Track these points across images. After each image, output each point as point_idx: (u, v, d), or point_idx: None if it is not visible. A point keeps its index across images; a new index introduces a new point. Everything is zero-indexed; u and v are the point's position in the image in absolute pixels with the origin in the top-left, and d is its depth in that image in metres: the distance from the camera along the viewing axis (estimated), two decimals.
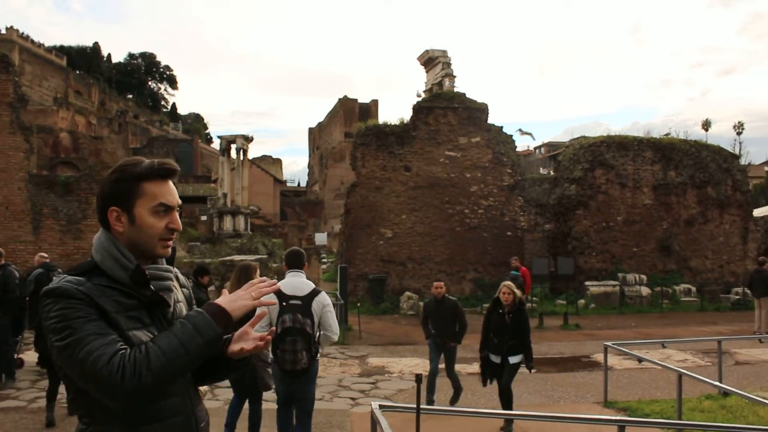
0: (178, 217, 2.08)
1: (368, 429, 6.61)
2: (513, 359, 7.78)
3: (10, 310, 9.84)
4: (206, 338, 1.85)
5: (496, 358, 7.91)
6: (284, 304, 5.52)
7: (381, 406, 3.89)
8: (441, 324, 9.04)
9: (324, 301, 5.71)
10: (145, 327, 1.94)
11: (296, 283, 5.70)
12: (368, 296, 19.82)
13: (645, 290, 21.04)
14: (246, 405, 6.66)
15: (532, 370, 8.41)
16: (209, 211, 38.12)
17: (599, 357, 11.12)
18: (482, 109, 21.95)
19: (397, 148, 21.28)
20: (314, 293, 5.70)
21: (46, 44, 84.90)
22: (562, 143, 53.27)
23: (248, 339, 2.07)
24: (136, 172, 2.01)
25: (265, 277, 2.02)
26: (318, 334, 5.62)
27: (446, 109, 21.56)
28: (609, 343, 9.19)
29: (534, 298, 19.69)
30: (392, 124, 22.15)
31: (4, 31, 74.09)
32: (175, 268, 2.23)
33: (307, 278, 5.94)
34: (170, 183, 2.07)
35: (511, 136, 22.33)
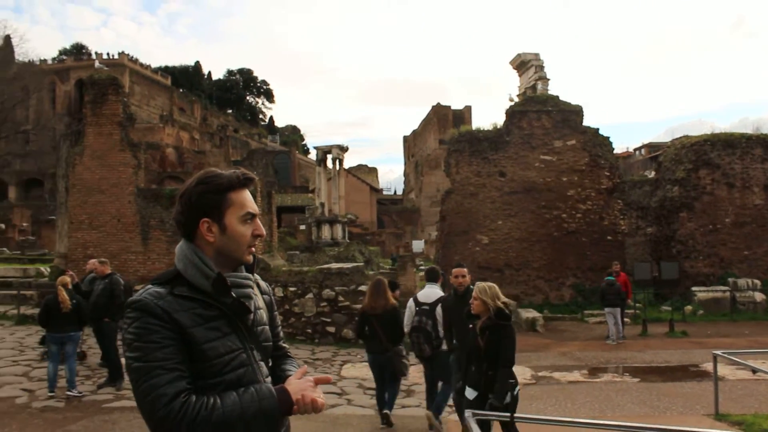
0: (260, 223, 2.15)
1: None
2: (492, 399, 5.40)
3: (116, 315, 10.54)
4: (267, 421, 1.92)
5: (471, 394, 5.73)
6: (418, 308, 7.29)
7: (474, 414, 3.86)
8: (465, 329, 6.22)
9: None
10: (224, 336, 1.99)
11: (429, 293, 7.48)
12: None
13: (759, 296, 19.87)
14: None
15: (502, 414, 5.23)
16: (307, 221, 38.99)
17: (708, 366, 10.55)
18: (577, 111, 21.46)
19: (491, 154, 21.08)
20: (438, 301, 7.32)
21: (153, 65, 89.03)
22: (663, 144, 51.30)
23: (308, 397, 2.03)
24: (223, 183, 2.07)
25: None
26: (441, 331, 7.17)
27: (540, 113, 21.20)
28: (719, 352, 8.64)
29: (637, 304, 19.03)
30: (485, 129, 21.98)
31: (116, 56, 78.33)
32: (256, 275, 2.28)
33: (438, 288, 7.82)
34: (248, 192, 2.14)
35: (608, 138, 21.70)
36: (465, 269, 7.28)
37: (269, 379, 2.13)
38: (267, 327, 2.23)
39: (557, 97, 21.89)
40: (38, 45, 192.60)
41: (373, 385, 9.28)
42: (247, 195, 2.11)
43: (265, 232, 2.18)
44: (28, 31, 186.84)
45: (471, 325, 5.77)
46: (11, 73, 54.21)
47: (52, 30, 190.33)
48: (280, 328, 2.43)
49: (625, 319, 16.33)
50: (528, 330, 17.06)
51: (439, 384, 7.71)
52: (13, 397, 9.56)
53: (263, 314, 2.22)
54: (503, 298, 5.72)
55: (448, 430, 7.57)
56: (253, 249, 2.13)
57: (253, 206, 2.12)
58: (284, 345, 2.44)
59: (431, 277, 7.79)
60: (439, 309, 7.18)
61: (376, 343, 7.63)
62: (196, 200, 2.06)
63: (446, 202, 21.41)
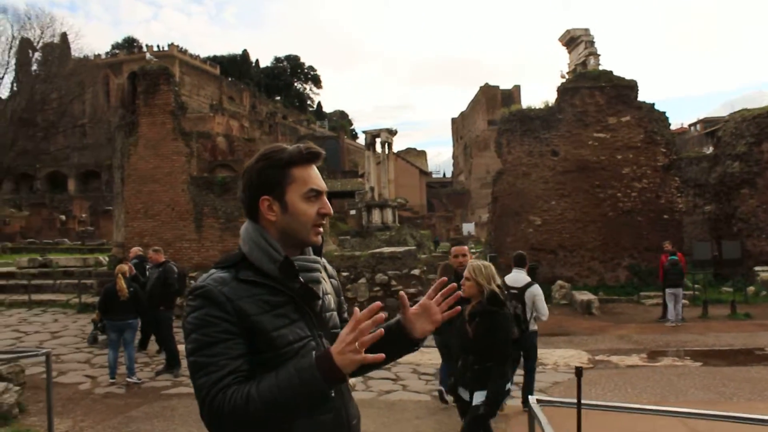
0: (327, 201, 2.00)
1: (521, 423, 6.49)
2: (478, 397, 4.78)
3: (171, 303, 10.81)
4: (313, 397, 1.72)
5: (465, 393, 4.98)
6: (506, 292, 6.87)
7: (539, 401, 3.73)
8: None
9: (534, 292, 7.50)
10: (292, 323, 1.87)
11: (517, 277, 7.66)
12: None
13: None
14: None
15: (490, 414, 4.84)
16: (357, 205, 39.05)
17: None
18: (631, 87, 20.83)
19: (542, 133, 20.68)
20: (527, 286, 7.53)
21: (202, 55, 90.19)
22: (720, 118, 49.62)
23: (433, 316, 1.97)
24: (284, 158, 1.95)
25: (372, 319, 1.72)
26: (532, 315, 7.45)
27: (592, 89, 20.67)
28: None
29: (696, 285, 18.49)
30: (537, 108, 21.57)
31: (166, 48, 79.60)
32: (323, 259, 2.15)
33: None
34: (315, 168, 2.00)
35: (664, 113, 21.03)
36: (466, 248, 7.07)
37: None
38: (335, 313, 2.10)
39: (610, 72, 21.28)
40: (92, 40, 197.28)
41: (428, 370, 9.46)
42: (311, 171, 1.98)
43: (332, 211, 2.03)
44: (82, 28, 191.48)
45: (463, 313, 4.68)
46: (68, 69, 55.49)
47: (105, 25, 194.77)
48: (347, 314, 2.28)
49: (684, 301, 15.87)
50: (583, 313, 16.74)
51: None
52: (77, 384, 9.83)
53: (331, 300, 2.10)
54: (498, 281, 5.00)
55: (507, 417, 7.45)
56: (321, 229, 1.99)
57: (318, 183, 1.97)
58: None
59: (518, 262, 7.96)
60: (528, 293, 7.47)
61: (444, 323, 7.40)
62: (257, 177, 1.95)
63: (498, 183, 21.13)
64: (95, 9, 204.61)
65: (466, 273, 4.99)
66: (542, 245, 20.49)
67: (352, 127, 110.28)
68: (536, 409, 3.53)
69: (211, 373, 1.74)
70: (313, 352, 1.78)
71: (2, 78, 54.90)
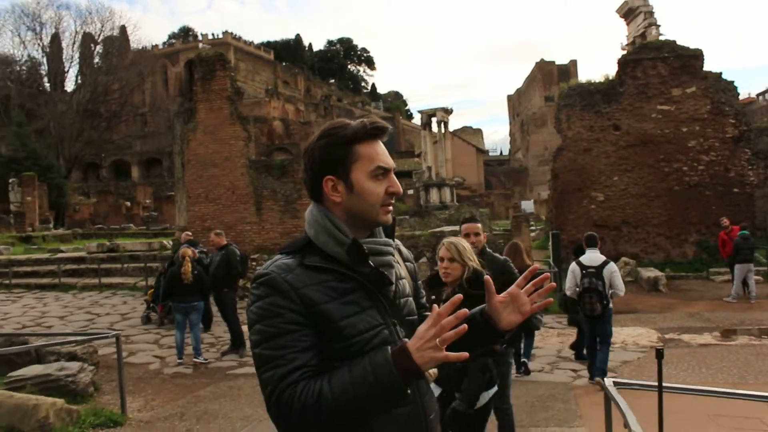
0: (395, 179, 1.86)
1: (594, 403, 6.32)
2: (458, 400, 4.10)
3: (234, 285, 10.99)
4: (388, 396, 1.59)
5: (436, 389, 3.93)
6: (584, 271, 7.85)
7: (616, 383, 3.55)
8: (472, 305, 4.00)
9: (611, 269, 7.87)
10: (363, 311, 1.74)
11: (592, 256, 7.99)
12: None
13: None
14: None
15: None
16: (415, 185, 38.93)
17: None
18: (696, 56, 19.99)
19: (603, 107, 20.08)
20: (604, 264, 7.87)
21: (256, 42, 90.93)
22: None
23: (522, 306, 1.78)
24: (348, 135, 1.80)
25: (455, 314, 1.59)
26: (609, 292, 7.79)
27: (655, 60, 19.92)
28: None
29: None
30: (597, 81, 20.93)
31: (221, 36, 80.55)
32: (397, 240, 2.01)
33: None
34: (381, 144, 1.85)
35: (732, 82, 20.16)
36: (479, 225, 5.59)
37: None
38: (411, 299, 1.95)
39: (674, 41, 20.46)
40: (150, 32, 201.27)
41: None
42: (377, 147, 1.83)
43: (401, 189, 1.87)
44: (140, 20, 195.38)
45: (433, 297, 4.09)
46: (128, 60, 56.84)
47: (161, 16, 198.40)
48: (424, 298, 2.15)
49: (757, 277, 15.26)
50: (649, 290, 16.30)
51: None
52: (147, 364, 10.10)
53: (406, 284, 1.95)
54: (476, 260, 4.29)
55: (576, 397, 7.29)
56: (390, 208, 1.84)
57: (385, 159, 1.82)
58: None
59: (590, 242, 8.28)
60: (605, 270, 7.81)
61: None
62: (319, 156, 1.82)
63: (558, 160, 20.66)
64: (152, 1, 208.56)
65: (443, 252, 4.19)
66: (605, 222, 19.98)
67: (407, 108, 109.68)
68: (613, 391, 3.37)
69: (277, 367, 1.65)
70: (389, 347, 1.63)
71: (67, 71, 56.73)
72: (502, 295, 1.81)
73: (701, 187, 19.70)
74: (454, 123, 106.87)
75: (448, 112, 36.13)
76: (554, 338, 11.02)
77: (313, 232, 1.82)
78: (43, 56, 55.81)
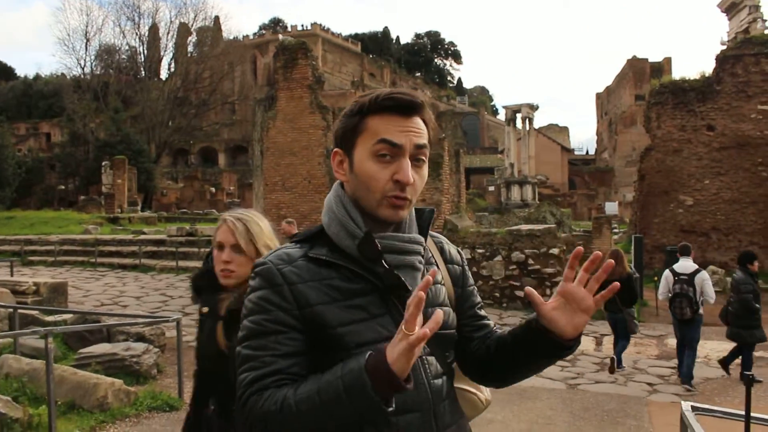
0: (408, 166, 1.47)
1: (670, 424, 5.84)
2: None
3: None
4: (356, 408, 1.29)
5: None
6: (676, 278, 8.34)
7: (694, 408, 3.15)
8: None
9: (703, 277, 8.34)
10: (372, 318, 1.46)
11: (685, 264, 8.48)
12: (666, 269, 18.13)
13: None
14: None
15: None
16: (496, 182, 38.36)
17: None
18: None
19: (697, 105, 19.03)
20: (696, 272, 8.35)
21: (344, 33, 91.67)
22: None
23: (582, 302, 1.44)
24: (361, 103, 1.51)
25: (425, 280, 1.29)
26: (700, 299, 8.21)
27: (758, 56, 18.71)
28: None
29: None
30: (691, 78, 19.89)
31: (309, 27, 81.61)
32: (442, 238, 1.73)
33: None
34: (408, 120, 1.49)
35: None
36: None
37: (443, 378, 1.56)
38: (448, 309, 1.61)
39: None
40: (242, 23, 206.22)
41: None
42: (397, 122, 1.48)
43: (411, 179, 1.47)
44: (232, 10, 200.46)
45: (203, 310, 2.74)
46: (219, 49, 58.27)
47: (253, 7, 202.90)
48: (479, 305, 1.75)
49: None
50: None
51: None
52: None
53: (441, 291, 1.62)
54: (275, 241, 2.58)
55: (650, 413, 6.79)
56: (399, 202, 1.48)
57: (395, 134, 1.47)
58: (488, 323, 1.74)
59: (684, 251, 8.72)
60: (697, 278, 8.27)
61: (613, 303, 8.65)
62: (336, 126, 1.59)
63: (645, 160, 19.76)
64: None
65: (222, 235, 2.52)
66: (693, 227, 18.99)
67: (493, 103, 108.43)
68: (690, 418, 2.98)
69: (252, 369, 1.42)
70: (370, 351, 1.33)
71: (162, 60, 58.81)
72: (552, 300, 1.48)
73: None
74: (540, 120, 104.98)
75: (533, 108, 35.43)
76: (630, 348, 10.40)
77: (327, 219, 1.57)
78: (140, 45, 57.95)
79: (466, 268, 1.77)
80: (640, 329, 10.40)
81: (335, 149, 1.58)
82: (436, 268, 1.66)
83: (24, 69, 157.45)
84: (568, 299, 1.46)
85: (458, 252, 1.77)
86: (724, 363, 8.83)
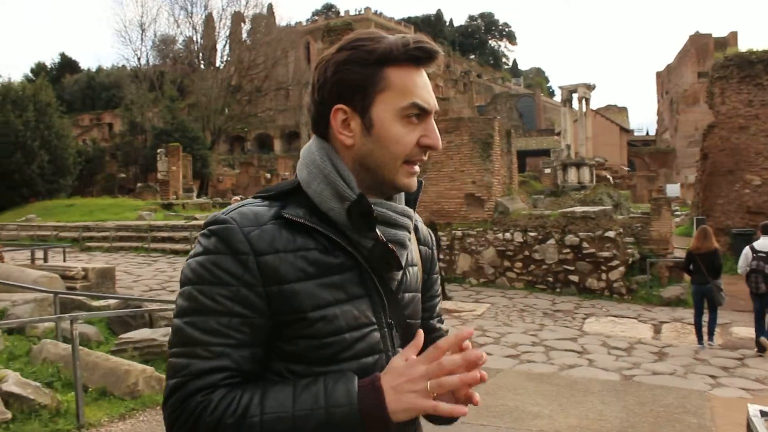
0: (435, 128, 1.26)
1: (734, 423, 5.36)
2: None
3: None
4: None
5: None
6: (754, 254, 8.87)
7: (763, 413, 2.75)
8: None
9: None
10: (350, 301, 1.20)
11: (765, 242, 8.92)
12: (731, 253, 17.27)
13: None
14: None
15: None
16: (552, 164, 37.51)
17: None
18: None
19: (765, 79, 18.00)
20: None
21: (396, 17, 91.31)
22: None
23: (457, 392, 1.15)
24: (378, 51, 1.22)
25: (463, 356, 1.07)
26: None
27: None
28: None
29: None
30: (759, 50, 18.83)
31: (362, 12, 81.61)
32: (417, 216, 1.43)
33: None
34: (425, 74, 1.27)
35: None
36: None
37: None
38: (418, 295, 1.38)
39: None
40: (294, 9, 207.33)
41: (619, 344, 9.38)
42: (418, 78, 1.25)
43: (440, 144, 1.27)
44: None
45: None
46: (272, 36, 58.60)
47: None
48: (439, 298, 1.55)
49: None
50: None
51: None
52: None
53: (416, 275, 1.38)
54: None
55: (712, 409, 6.27)
56: (417, 169, 1.27)
57: (426, 97, 1.25)
58: (441, 326, 1.53)
59: (766, 230, 9.03)
60: None
61: (701, 276, 9.34)
62: (333, 74, 1.24)
63: (708, 138, 18.82)
64: None
65: None
66: (761, 208, 18.01)
67: (549, 85, 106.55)
68: (759, 424, 2.58)
69: (196, 357, 1.12)
70: (355, 379, 1.11)
71: (215, 49, 59.58)
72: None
73: None
74: (598, 101, 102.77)
75: (590, 87, 34.37)
76: (692, 336, 9.82)
77: (306, 174, 1.27)
78: (194, 34, 58.76)
79: (435, 252, 1.53)
80: (685, 317, 10.94)
81: (338, 105, 1.24)
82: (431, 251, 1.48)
83: (87, 62, 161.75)
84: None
85: (429, 233, 1.54)
86: None
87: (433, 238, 1.55)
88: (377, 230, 1.22)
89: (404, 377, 1.07)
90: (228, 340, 1.13)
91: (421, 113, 1.24)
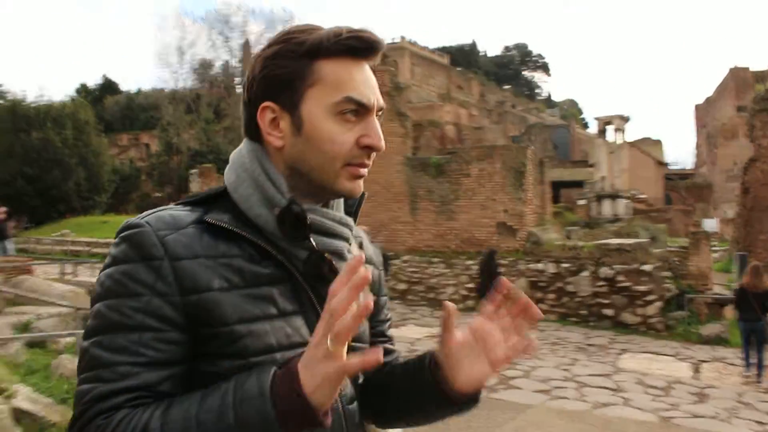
0: (377, 126, 1.12)
1: None
2: None
3: None
4: None
5: None
6: None
7: None
8: None
9: None
10: (282, 317, 1.06)
11: None
12: None
13: None
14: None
15: None
16: (587, 195, 37.19)
17: None
18: None
19: None
20: None
21: (431, 47, 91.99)
22: None
23: (490, 352, 1.10)
24: (308, 42, 1.08)
25: (352, 282, 0.89)
26: None
27: None
28: None
29: None
30: None
31: (398, 40, 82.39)
32: (362, 231, 1.33)
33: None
34: (368, 69, 1.12)
35: None
36: None
37: (355, 404, 1.18)
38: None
39: None
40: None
41: (657, 383, 8.98)
42: (358, 72, 1.10)
43: (383, 145, 1.11)
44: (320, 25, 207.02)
45: None
46: None
47: (341, 22, 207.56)
48: (390, 323, 1.42)
49: None
50: None
51: None
52: None
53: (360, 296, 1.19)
54: None
55: None
56: (361, 171, 1.12)
57: (363, 91, 1.09)
58: (395, 349, 1.39)
59: None
60: None
61: (752, 313, 9.15)
62: (260, 70, 1.11)
63: (749, 172, 18.33)
64: (332, 6, 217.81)
65: None
66: None
67: (583, 116, 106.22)
68: None
69: (100, 380, 0.96)
70: (274, 368, 0.94)
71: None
72: (463, 332, 1.14)
73: None
74: (633, 134, 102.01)
75: (625, 119, 34.04)
76: (734, 377, 9.38)
77: (234, 178, 1.15)
78: (231, 59, 59.77)
79: (383, 274, 1.41)
80: (726, 356, 10.74)
81: (266, 103, 1.11)
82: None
83: (127, 84, 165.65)
84: (478, 340, 1.13)
85: (377, 251, 1.42)
86: None
87: (382, 259, 1.42)
88: (311, 240, 1.11)
89: (311, 346, 0.90)
90: (137, 358, 0.97)
91: (360, 109, 1.10)
